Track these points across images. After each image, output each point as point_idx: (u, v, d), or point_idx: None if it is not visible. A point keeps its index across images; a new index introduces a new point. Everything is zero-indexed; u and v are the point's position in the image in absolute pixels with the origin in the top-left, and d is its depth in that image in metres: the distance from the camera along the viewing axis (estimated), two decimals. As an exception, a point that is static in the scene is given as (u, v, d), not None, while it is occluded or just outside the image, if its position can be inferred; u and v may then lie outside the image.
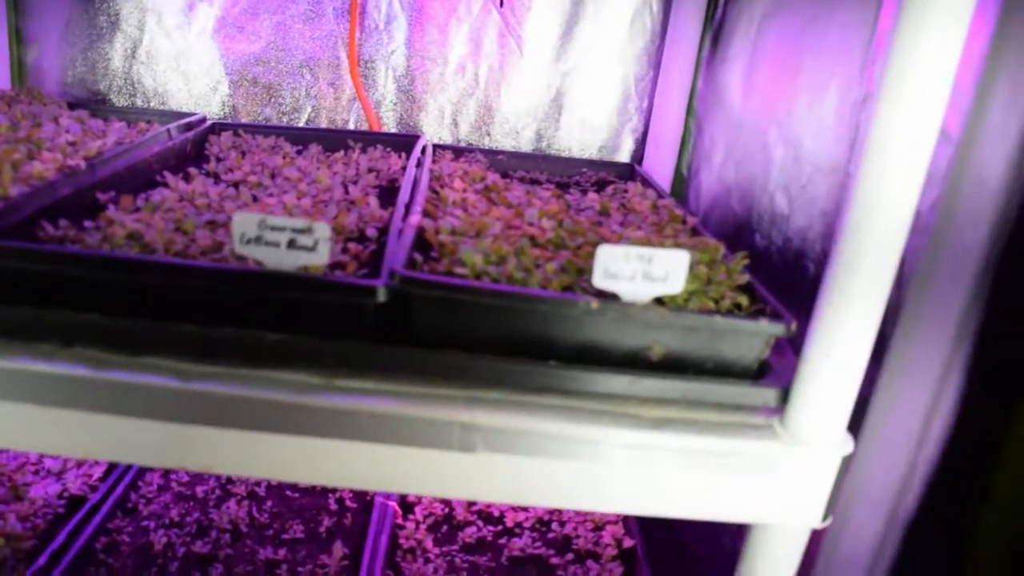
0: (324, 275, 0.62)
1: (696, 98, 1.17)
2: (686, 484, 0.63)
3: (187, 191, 0.81)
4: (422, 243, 0.72)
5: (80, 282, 0.62)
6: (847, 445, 0.63)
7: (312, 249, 0.61)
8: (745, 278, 0.71)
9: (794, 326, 0.65)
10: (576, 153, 1.21)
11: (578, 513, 1.00)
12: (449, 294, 0.62)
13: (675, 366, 0.65)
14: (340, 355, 0.62)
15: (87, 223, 0.70)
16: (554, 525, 0.98)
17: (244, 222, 0.61)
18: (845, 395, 0.62)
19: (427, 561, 0.89)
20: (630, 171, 1.14)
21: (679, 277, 0.63)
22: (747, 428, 0.63)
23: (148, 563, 0.87)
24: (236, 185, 0.88)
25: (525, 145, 1.21)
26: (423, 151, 1.05)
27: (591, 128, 1.20)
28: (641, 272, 0.62)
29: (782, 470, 0.63)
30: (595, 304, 0.62)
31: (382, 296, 0.61)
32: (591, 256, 0.68)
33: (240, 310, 0.62)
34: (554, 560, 0.93)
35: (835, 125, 0.81)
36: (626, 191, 0.98)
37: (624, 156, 1.22)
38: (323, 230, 0.60)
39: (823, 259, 0.81)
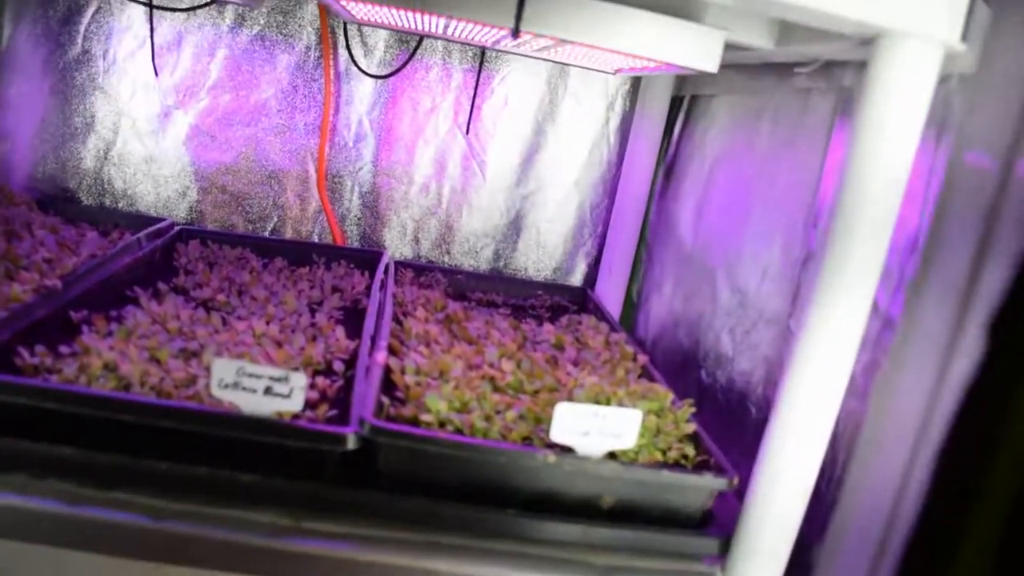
0: (297, 422, 0.65)
1: (648, 228, 1.23)
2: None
3: (159, 313, 0.84)
4: (388, 382, 0.75)
5: (57, 416, 0.64)
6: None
7: (287, 396, 0.64)
8: (691, 427, 0.76)
9: (736, 480, 0.69)
10: (532, 273, 1.27)
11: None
12: (416, 444, 0.65)
13: (624, 515, 0.69)
14: (309, 497, 0.65)
15: (63, 349, 0.72)
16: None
17: (223, 368, 0.64)
18: (784, 545, 0.67)
19: None
20: (583, 296, 1.20)
21: (632, 433, 0.67)
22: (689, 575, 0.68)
23: None
24: (205, 304, 0.91)
25: (483, 264, 1.26)
26: (386, 269, 1.09)
27: (547, 250, 1.26)
28: (596, 428, 0.67)
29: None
30: (552, 458, 0.66)
31: (351, 443, 0.65)
32: (548, 403, 0.73)
33: (214, 451, 0.64)
34: None
35: (778, 278, 0.87)
36: (580, 323, 1.03)
37: (577, 279, 1.28)
38: (299, 380, 0.64)
39: (765, 404, 0.86)
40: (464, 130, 1.21)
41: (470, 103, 1.20)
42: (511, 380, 0.77)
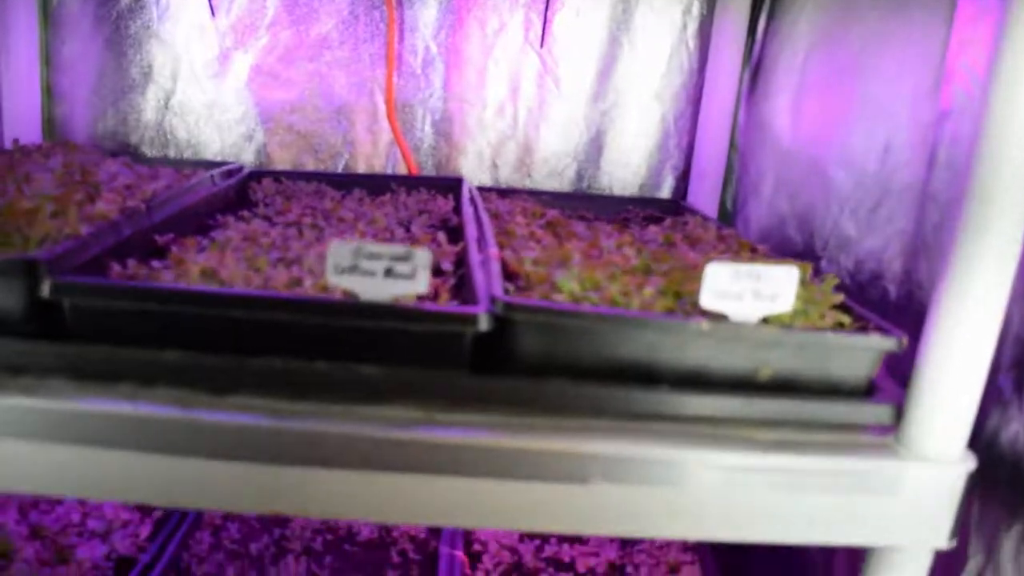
0: (423, 304, 0.60)
1: (738, 133, 1.16)
2: (804, 507, 0.59)
3: (248, 231, 0.79)
4: (506, 274, 0.69)
5: (163, 318, 0.59)
6: (969, 461, 0.60)
7: (410, 277, 0.59)
8: (840, 297, 0.69)
9: (905, 340, 0.62)
10: (617, 192, 1.20)
11: (650, 556, 0.96)
12: (556, 319, 0.59)
13: (785, 386, 0.62)
14: (440, 387, 0.59)
15: (155, 264, 0.67)
16: (627, 569, 0.94)
17: (339, 250, 0.58)
18: (964, 408, 0.60)
19: (501, 613, 0.85)
20: (675, 207, 1.13)
21: (789, 294, 0.60)
22: (863, 447, 0.61)
23: (208, 626, 0.82)
24: (293, 226, 0.86)
25: (566, 186, 1.19)
26: (469, 195, 1.03)
27: (631, 167, 1.19)
28: (750, 290, 0.60)
29: (902, 488, 0.60)
30: (705, 325, 0.60)
31: (484, 324, 0.59)
32: (684, 280, 0.67)
33: (333, 343, 0.59)
34: (632, 607, 0.89)
35: (906, 147, 0.80)
36: (685, 223, 0.97)
37: (665, 193, 1.21)
38: (423, 257, 0.58)
39: (905, 279, 0.79)
40: (538, 44, 1.15)
41: (541, 18, 1.14)
42: (637, 263, 0.71)
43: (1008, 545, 0.65)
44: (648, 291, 0.64)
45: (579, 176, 1.19)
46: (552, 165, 1.19)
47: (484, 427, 0.58)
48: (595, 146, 1.19)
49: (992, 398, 0.67)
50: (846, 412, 0.62)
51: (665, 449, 0.58)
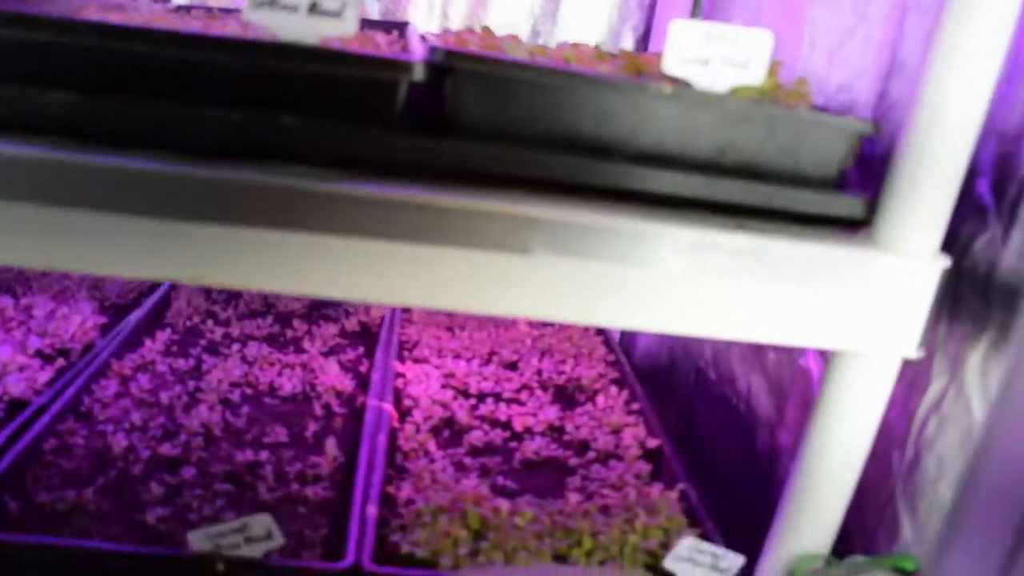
0: (349, 48, 0.52)
1: (701, -4, 1.10)
2: (771, 299, 0.54)
3: None
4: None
5: (56, 52, 0.51)
6: (942, 259, 0.55)
7: (338, 15, 0.51)
8: (807, 87, 0.63)
9: (880, 125, 0.57)
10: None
11: (591, 418, 0.90)
12: (502, 70, 0.52)
13: (752, 172, 0.57)
14: (366, 145, 0.52)
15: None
16: (568, 428, 0.88)
17: (255, -22, 0.50)
18: (940, 203, 0.55)
19: (432, 462, 0.79)
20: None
21: (761, 63, 0.55)
22: (834, 237, 0.56)
23: (107, 465, 0.75)
24: None
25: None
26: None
27: (589, 25, 1.13)
28: (720, 56, 0.54)
29: (873, 282, 0.55)
30: (667, 88, 0.53)
31: (419, 73, 0.52)
32: (644, 64, 0.61)
33: (249, 89, 0.51)
34: (573, 461, 0.83)
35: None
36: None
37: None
38: (353, -12, 0.51)
39: (878, 103, 0.74)
40: None
41: None
42: (593, 53, 0.65)
43: (973, 361, 0.61)
44: (605, 67, 0.58)
45: (534, 33, 1.12)
46: (506, 21, 1.11)
47: (415, 186, 0.51)
48: (552, 4, 1.12)
49: (968, 205, 0.62)
50: (817, 201, 0.57)
51: (619, 219, 0.51)
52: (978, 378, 0.61)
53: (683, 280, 0.53)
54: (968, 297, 0.62)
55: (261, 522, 0.62)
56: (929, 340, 0.64)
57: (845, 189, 0.58)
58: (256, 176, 0.49)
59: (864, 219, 0.57)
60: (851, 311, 0.55)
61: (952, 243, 0.61)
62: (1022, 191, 0.59)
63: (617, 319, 0.54)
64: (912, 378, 0.66)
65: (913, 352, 0.57)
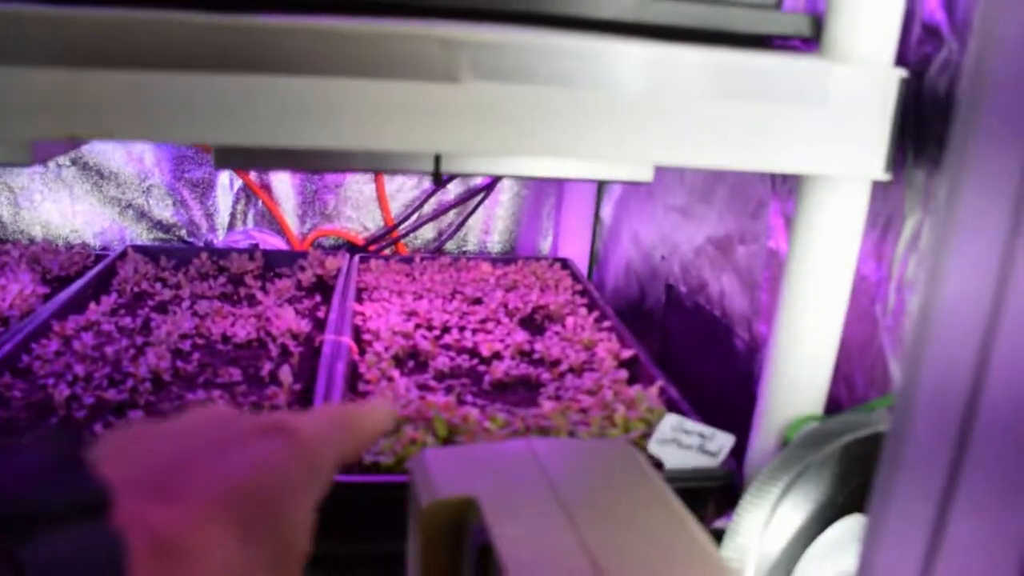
0: None
1: None
2: (727, 119, 0.51)
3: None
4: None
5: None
6: (899, 70, 0.52)
7: None
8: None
9: (820, -60, 0.55)
10: None
11: (562, 338, 0.86)
12: None
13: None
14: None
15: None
16: (538, 348, 0.84)
17: None
18: (889, 9, 0.52)
19: (395, 385, 0.74)
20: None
21: None
22: (785, 52, 0.53)
23: (48, 414, 0.70)
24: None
25: None
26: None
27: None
28: None
29: (831, 95, 0.52)
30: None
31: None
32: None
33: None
34: (545, 377, 0.79)
35: None
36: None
37: None
38: None
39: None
40: None
41: None
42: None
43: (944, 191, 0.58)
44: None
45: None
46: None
47: (323, 14, 0.47)
48: None
49: (919, 27, 0.59)
50: (759, 20, 0.54)
51: (560, 39, 0.48)
52: (951, 202, 0.57)
53: (638, 101, 0.49)
54: (932, 122, 0.59)
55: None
56: (896, 175, 0.61)
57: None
58: (155, 14, 0.45)
59: (812, 38, 0.54)
60: (812, 130, 0.52)
61: (910, 68, 0.58)
62: (971, 2, 0.56)
63: (567, 147, 0.50)
64: (885, 222, 0.63)
65: (881, 173, 0.54)
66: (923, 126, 0.59)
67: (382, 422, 0.40)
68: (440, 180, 0.53)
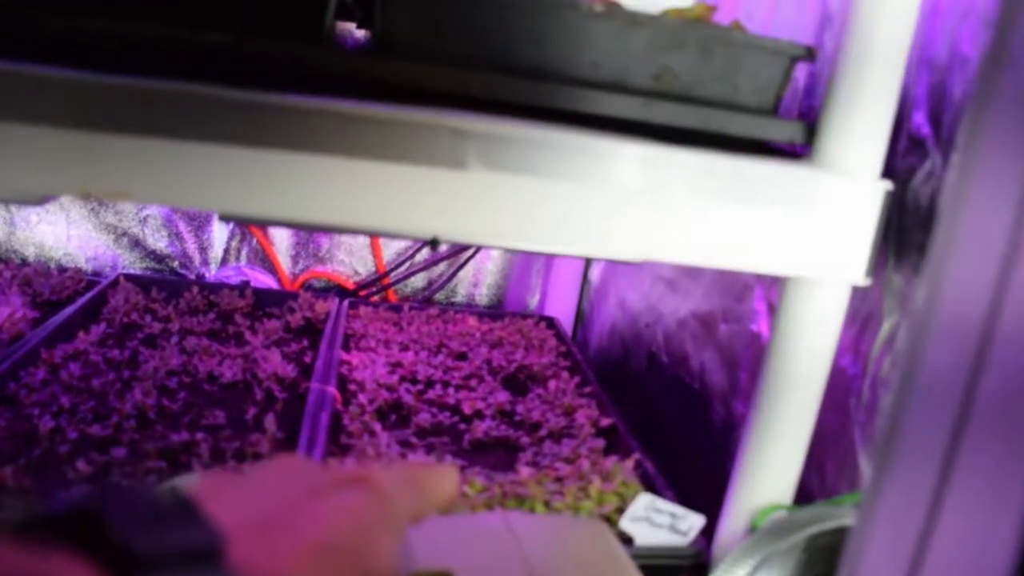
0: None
1: None
2: (718, 220, 0.53)
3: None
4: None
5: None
6: (886, 183, 0.55)
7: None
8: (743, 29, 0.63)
9: (815, 51, 0.57)
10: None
11: (543, 401, 0.88)
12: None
13: (688, 97, 0.56)
14: (291, 60, 0.51)
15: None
16: (519, 410, 0.85)
17: None
18: (879, 124, 0.55)
19: (377, 440, 0.76)
20: None
21: (693, -16, 0.55)
22: (777, 159, 0.55)
23: (31, 445, 0.70)
24: None
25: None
26: None
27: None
28: (650, -24, 0.54)
29: (818, 202, 0.54)
30: (599, 7, 0.53)
31: (348, -11, 0.51)
32: None
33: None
34: (524, 440, 0.81)
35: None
36: None
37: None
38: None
39: None
40: None
41: None
42: None
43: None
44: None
45: None
46: None
47: (340, 98, 0.49)
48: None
49: (906, 140, 0.62)
50: (755, 125, 0.56)
51: (564, 135, 0.50)
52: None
53: (632, 197, 0.51)
54: (913, 230, 0.61)
55: (190, 481, 0.59)
56: (877, 279, 0.63)
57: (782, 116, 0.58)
58: (180, 86, 0.47)
59: (805, 144, 0.57)
60: (798, 235, 0.55)
61: (895, 177, 0.61)
62: (957, 117, 0.59)
63: (561, 241, 0.52)
64: (864, 320, 0.65)
65: (861, 278, 0.56)
66: (904, 234, 0.62)
67: (450, 483, 0.41)
68: (437, 245, 0.54)
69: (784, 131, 0.57)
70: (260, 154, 0.48)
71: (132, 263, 1.18)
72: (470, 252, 1.19)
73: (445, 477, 0.41)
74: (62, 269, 1.11)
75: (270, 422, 0.75)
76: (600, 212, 0.51)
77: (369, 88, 0.51)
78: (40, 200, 0.54)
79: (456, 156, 0.49)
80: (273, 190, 0.48)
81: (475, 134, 0.49)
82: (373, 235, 1.14)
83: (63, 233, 1.14)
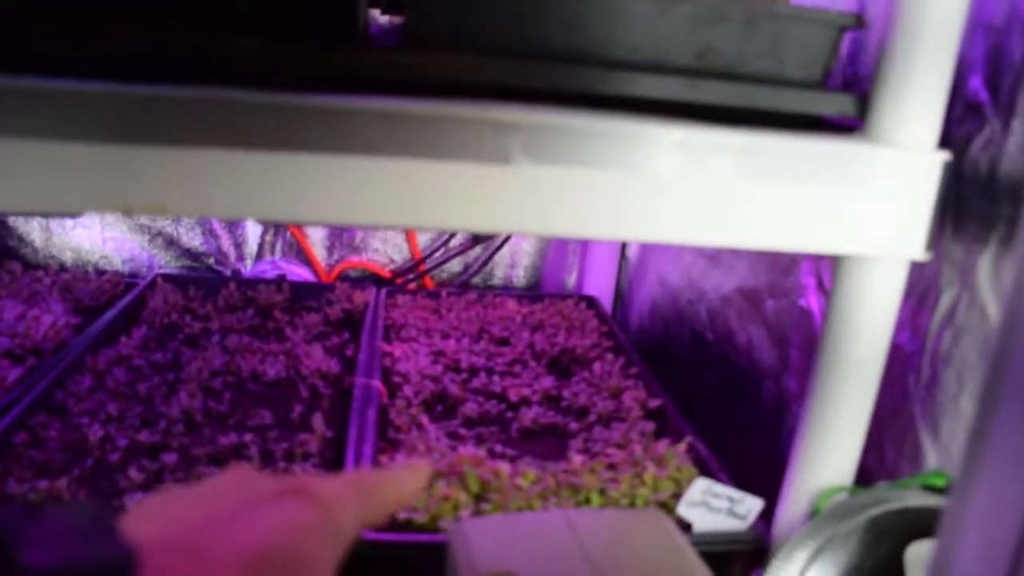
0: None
1: None
2: (764, 200, 0.51)
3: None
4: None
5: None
6: (943, 153, 0.53)
7: None
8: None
9: (864, 19, 0.55)
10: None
11: (589, 384, 0.87)
12: (465, -25, 0.50)
13: (733, 74, 0.54)
14: (328, 62, 0.49)
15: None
16: (565, 395, 0.84)
17: None
18: (934, 93, 0.53)
19: (425, 433, 0.75)
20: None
21: (735, -45, 0.52)
22: (828, 135, 0.53)
23: (83, 455, 0.71)
24: None
25: None
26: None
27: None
28: (691, -50, 0.52)
29: (873, 178, 0.52)
30: (641, -13, 0.51)
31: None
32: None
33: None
34: (573, 426, 0.80)
35: None
36: None
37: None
38: None
39: None
40: None
41: None
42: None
43: (984, 264, 0.58)
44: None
45: None
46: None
47: (381, 97, 0.48)
48: None
49: (963, 106, 0.60)
50: (804, 100, 0.54)
51: (604, 121, 0.48)
52: (991, 281, 0.58)
53: (678, 182, 0.50)
54: (972, 199, 0.59)
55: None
56: (935, 251, 0.61)
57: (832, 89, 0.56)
58: (216, 93, 0.46)
59: (856, 116, 0.55)
60: (853, 212, 0.53)
61: (951, 146, 0.59)
62: (1017, 81, 0.56)
63: (607, 229, 0.51)
64: (920, 294, 0.63)
65: (920, 253, 0.54)
66: (963, 203, 0.59)
67: (410, 487, 0.40)
68: (481, 238, 0.54)
69: (834, 104, 0.54)
70: (299, 158, 0.46)
71: (168, 262, 1.18)
72: (505, 234, 1.18)
73: (402, 479, 0.40)
74: (100, 272, 1.11)
75: (318, 421, 0.75)
76: (645, 197, 0.50)
77: (405, 83, 0.50)
78: (79, 213, 0.54)
79: (500, 150, 0.48)
80: (314, 194, 0.47)
81: (518, 126, 0.47)
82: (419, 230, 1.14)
83: (98, 236, 1.14)
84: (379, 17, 0.86)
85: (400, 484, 0.40)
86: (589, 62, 0.52)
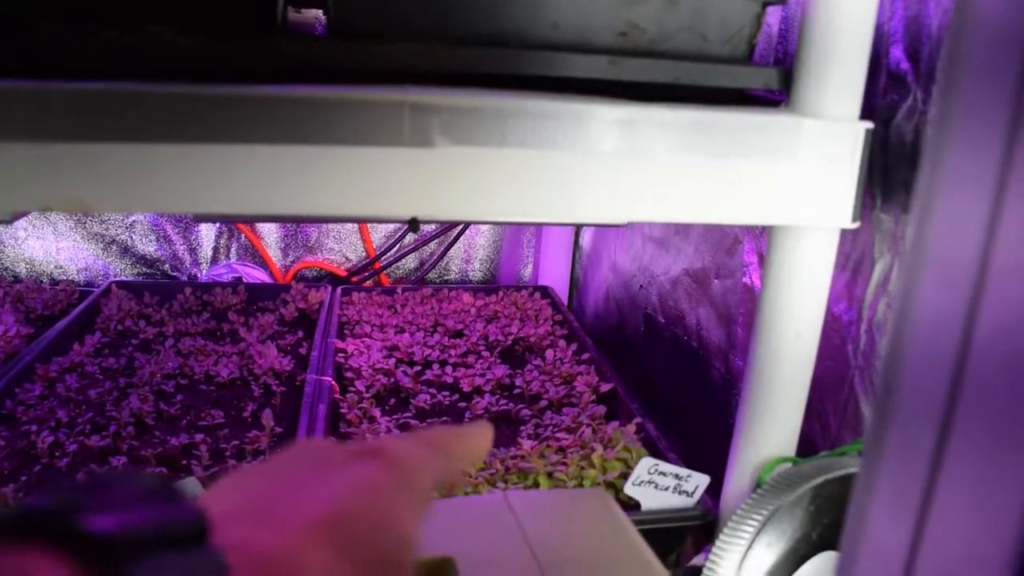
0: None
1: None
2: (698, 175, 0.52)
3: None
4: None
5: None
6: (865, 123, 0.54)
7: None
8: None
9: (787, -8, 0.56)
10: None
11: (541, 372, 0.87)
12: (381, -39, 0.50)
13: (657, 52, 0.55)
14: (244, 53, 0.49)
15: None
16: (518, 383, 0.85)
17: None
18: (855, 64, 0.54)
19: (377, 426, 0.75)
20: None
21: (650, -66, 0.53)
22: (754, 109, 0.54)
23: (31, 462, 0.70)
24: None
25: None
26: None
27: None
28: (606, -71, 0.52)
29: (800, 148, 0.53)
30: (556, -35, 0.51)
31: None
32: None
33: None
34: (525, 413, 0.80)
35: None
36: None
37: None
38: None
39: None
40: None
41: None
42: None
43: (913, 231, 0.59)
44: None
45: None
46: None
47: (298, 85, 0.48)
48: None
49: (885, 76, 0.60)
50: (729, 74, 0.55)
51: (534, 101, 0.49)
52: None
53: (612, 159, 0.50)
54: (899, 168, 0.60)
55: (190, 485, 0.59)
56: (865, 221, 0.62)
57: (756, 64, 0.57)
58: (134, 86, 0.46)
59: (782, 90, 0.55)
60: (782, 183, 0.53)
61: (877, 116, 0.60)
62: (936, 49, 0.57)
63: (542, 209, 0.51)
64: (855, 264, 0.64)
65: (848, 222, 0.55)
66: (890, 172, 0.60)
67: (482, 444, 0.40)
68: (417, 227, 0.53)
69: (758, 78, 0.55)
70: (218, 149, 0.46)
71: (124, 270, 1.17)
72: (459, 229, 1.18)
73: (475, 435, 0.40)
74: (54, 282, 1.10)
75: (267, 417, 0.74)
76: (578, 177, 0.50)
77: (329, 73, 0.50)
78: (11, 217, 0.53)
79: (421, 133, 0.48)
80: (236, 184, 0.47)
81: (438, 108, 0.48)
82: (349, 221, 1.13)
83: (52, 246, 1.13)
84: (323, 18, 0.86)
85: (472, 440, 0.40)
86: (512, 44, 0.52)
